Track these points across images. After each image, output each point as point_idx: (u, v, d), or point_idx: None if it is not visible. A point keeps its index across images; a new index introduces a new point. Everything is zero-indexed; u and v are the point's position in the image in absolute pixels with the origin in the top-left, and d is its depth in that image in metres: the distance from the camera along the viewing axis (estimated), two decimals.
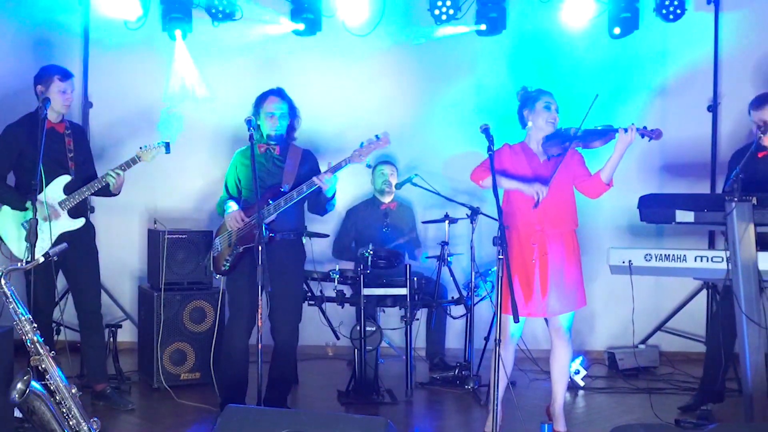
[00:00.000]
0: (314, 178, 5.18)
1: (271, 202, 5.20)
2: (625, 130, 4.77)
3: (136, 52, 7.51)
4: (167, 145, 5.64)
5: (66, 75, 5.52)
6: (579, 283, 5.01)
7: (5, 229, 5.48)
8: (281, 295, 5.25)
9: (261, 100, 5.42)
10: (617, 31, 7.26)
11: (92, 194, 5.59)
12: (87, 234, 5.69)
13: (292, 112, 5.45)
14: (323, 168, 5.28)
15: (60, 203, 5.48)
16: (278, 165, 5.40)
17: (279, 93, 5.44)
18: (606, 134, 4.88)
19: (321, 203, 5.42)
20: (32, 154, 5.19)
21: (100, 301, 5.84)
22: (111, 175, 5.48)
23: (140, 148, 5.62)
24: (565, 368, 5.19)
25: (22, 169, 5.51)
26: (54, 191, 5.48)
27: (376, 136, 5.21)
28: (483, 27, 7.33)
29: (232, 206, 5.39)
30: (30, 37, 7.49)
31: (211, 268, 5.65)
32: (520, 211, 4.98)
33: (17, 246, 5.42)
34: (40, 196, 5.19)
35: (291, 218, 5.35)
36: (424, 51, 7.56)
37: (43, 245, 5.21)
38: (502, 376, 4.74)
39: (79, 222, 5.59)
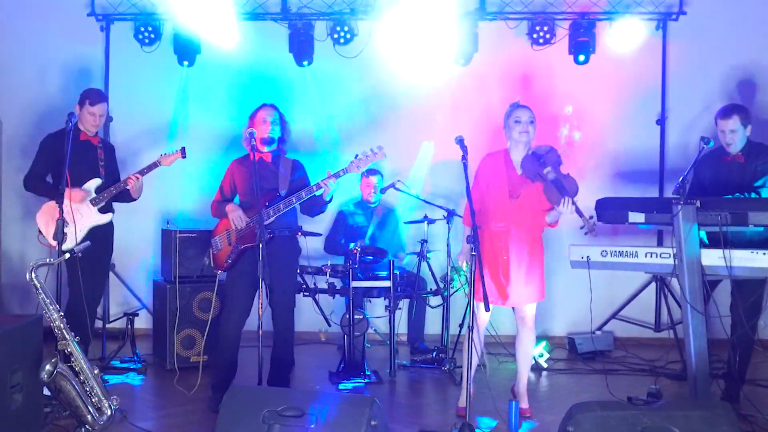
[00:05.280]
0: (320, 182, 5.13)
1: (268, 204, 5.16)
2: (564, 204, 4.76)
3: (151, 73, 7.53)
4: (183, 150, 5.76)
5: (95, 101, 5.64)
6: (540, 279, 5.01)
7: (45, 222, 5.55)
8: (281, 286, 5.22)
9: (255, 111, 5.37)
10: (582, 58, 7.26)
11: (115, 199, 5.71)
12: (110, 231, 5.78)
13: (283, 122, 5.39)
14: (310, 174, 5.32)
15: (91, 200, 5.59)
16: (272, 171, 5.33)
17: (272, 105, 5.40)
18: (561, 195, 4.79)
19: (316, 206, 5.37)
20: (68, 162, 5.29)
21: (102, 291, 5.96)
22: (131, 178, 5.60)
23: (161, 154, 5.75)
24: (529, 352, 5.20)
25: (59, 174, 5.54)
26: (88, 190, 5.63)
27: (372, 150, 5.21)
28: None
29: (233, 206, 5.29)
30: (57, 61, 7.51)
31: (211, 265, 5.44)
32: (492, 213, 4.98)
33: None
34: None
35: (286, 218, 5.30)
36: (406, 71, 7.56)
37: (78, 234, 5.43)
38: (474, 358, 4.77)
39: (107, 217, 5.69)
